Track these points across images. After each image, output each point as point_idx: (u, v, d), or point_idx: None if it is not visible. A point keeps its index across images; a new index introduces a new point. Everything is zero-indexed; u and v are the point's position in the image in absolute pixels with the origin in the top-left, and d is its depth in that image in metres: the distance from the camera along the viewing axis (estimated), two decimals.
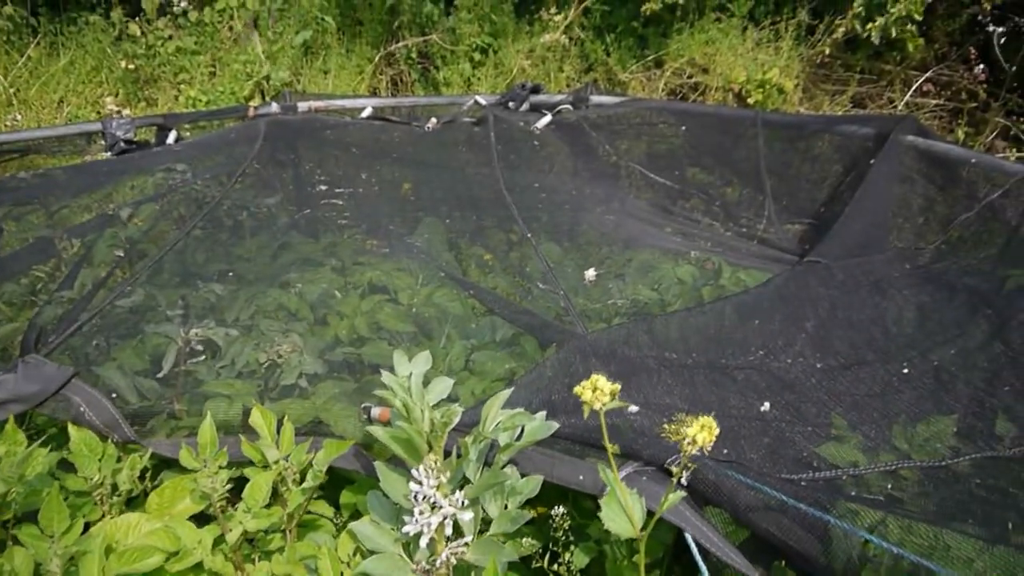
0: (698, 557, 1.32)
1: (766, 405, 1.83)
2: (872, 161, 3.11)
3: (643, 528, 1.21)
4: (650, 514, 1.32)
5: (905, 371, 2.03)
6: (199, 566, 1.55)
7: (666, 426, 1.26)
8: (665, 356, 1.95)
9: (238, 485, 1.67)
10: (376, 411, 1.80)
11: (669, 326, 2.05)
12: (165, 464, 1.86)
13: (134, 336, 2.06)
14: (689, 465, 1.13)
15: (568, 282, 2.36)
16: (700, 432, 1.08)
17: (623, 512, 1.19)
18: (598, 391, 1.16)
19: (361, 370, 1.98)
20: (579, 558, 1.68)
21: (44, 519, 1.40)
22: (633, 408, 1.72)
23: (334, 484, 1.85)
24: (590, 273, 2.31)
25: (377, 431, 1.48)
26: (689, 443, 1.09)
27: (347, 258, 2.48)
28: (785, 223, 3.31)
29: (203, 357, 1.95)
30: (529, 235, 2.57)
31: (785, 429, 1.76)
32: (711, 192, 3.56)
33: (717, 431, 1.09)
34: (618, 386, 1.18)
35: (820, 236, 2.88)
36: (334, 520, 1.78)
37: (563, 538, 1.65)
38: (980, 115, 4.57)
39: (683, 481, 1.14)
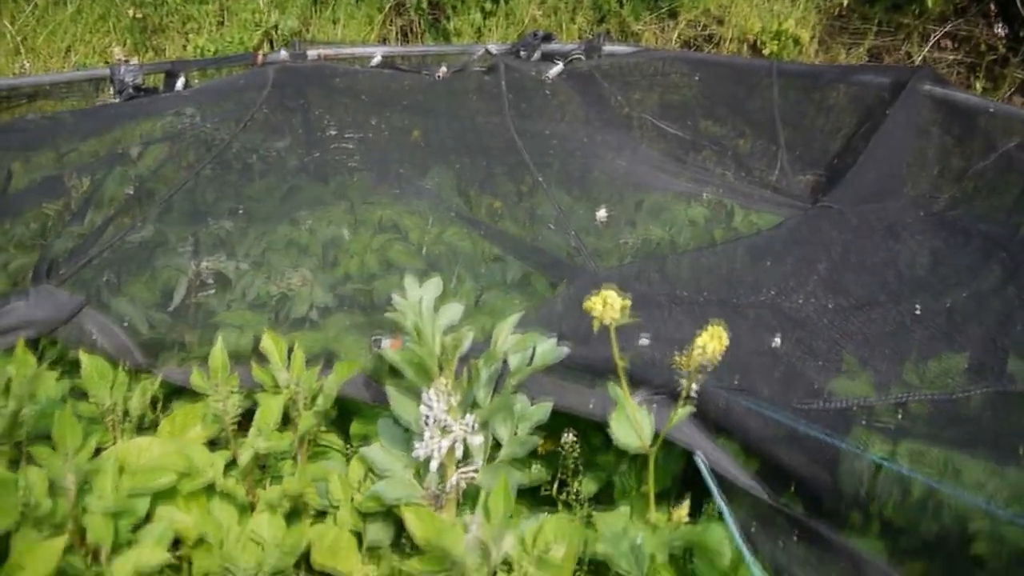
0: (708, 478, 1.32)
1: (777, 340, 1.82)
2: (888, 111, 3.07)
3: (652, 444, 1.21)
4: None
5: (917, 312, 2.02)
6: (211, 488, 1.57)
7: (677, 357, 1.26)
8: (676, 294, 1.95)
9: (247, 417, 1.68)
10: (387, 342, 1.79)
11: (680, 265, 2.04)
12: (176, 394, 1.87)
13: (144, 270, 2.06)
14: (699, 375, 1.12)
15: (579, 224, 2.35)
16: (710, 341, 1.08)
17: (631, 427, 1.18)
18: (608, 306, 1.15)
19: (372, 304, 1.98)
20: (587, 486, 1.69)
21: (57, 436, 1.41)
22: (644, 341, 1.71)
23: (343, 417, 1.86)
24: (601, 213, 2.29)
25: (389, 354, 1.48)
26: (699, 352, 1.08)
27: (357, 199, 2.47)
28: (798, 174, 3.27)
29: (213, 290, 1.95)
30: (540, 178, 2.55)
31: (796, 363, 1.75)
32: (724, 143, 3.51)
33: (727, 342, 1.08)
34: (628, 301, 1.18)
35: (833, 185, 2.85)
36: (344, 451, 1.79)
37: (572, 466, 1.66)
38: (999, 71, 4.49)
39: (692, 394, 1.13)
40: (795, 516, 1.33)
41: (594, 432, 1.86)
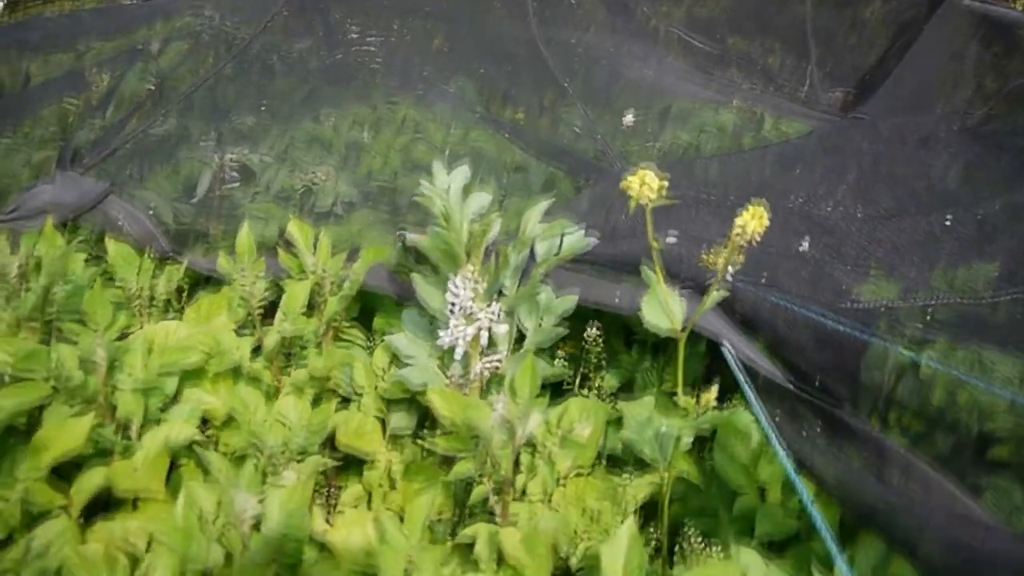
0: (734, 367, 1.32)
1: (805, 244, 1.80)
2: (925, 26, 2.98)
3: (683, 329, 1.20)
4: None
5: (948, 223, 1.99)
6: (237, 372, 1.59)
7: (704, 255, 1.24)
8: (703, 196, 1.92)
9: (271, 311, 1.68)
10: (412, 237, 1.79)
11: (708, 168, 2.01)
12: (200, 285, 1.88)
13: (168, 162, 2.05)
14: (737, 256, 1.11)
15: (605, 129, 2.31)
16: (751, 220, 1.06)
17: (663, 311, 1.18)
18: (646, 185, 1.13)
19: (396, 201, 1.97)
20: (610, 381, 1.70)
21: (88, 311, 1.42)
22: (671, 238, 1.70)
23: (366, 315, 1.86)
24: (628, 118, 2.25)
25: (416, 239, 1.47)
26: (738, 232, 1.07)
27: (380, 99, 2.43)
28: (828, 91, 3.20)
29: (238, 183, 1.94)
30: (566, 83, 2.50)
31: (824, 266, 1.74)
32: (753, 58, 3.43)
33: (767, 222, 1.06)
34: (666, 183, 1.15)
35: (865, 99, 2.79)
36: (367, 344, 1.80)
37: (595, 360, 1.66)
38: None
39: (728, 277, 1.12)
40: (820, 405, 1.33)
41: (615, 336, 1.86)
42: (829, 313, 1.41)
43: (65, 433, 1.32)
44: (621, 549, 1.14)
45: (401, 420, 1.60)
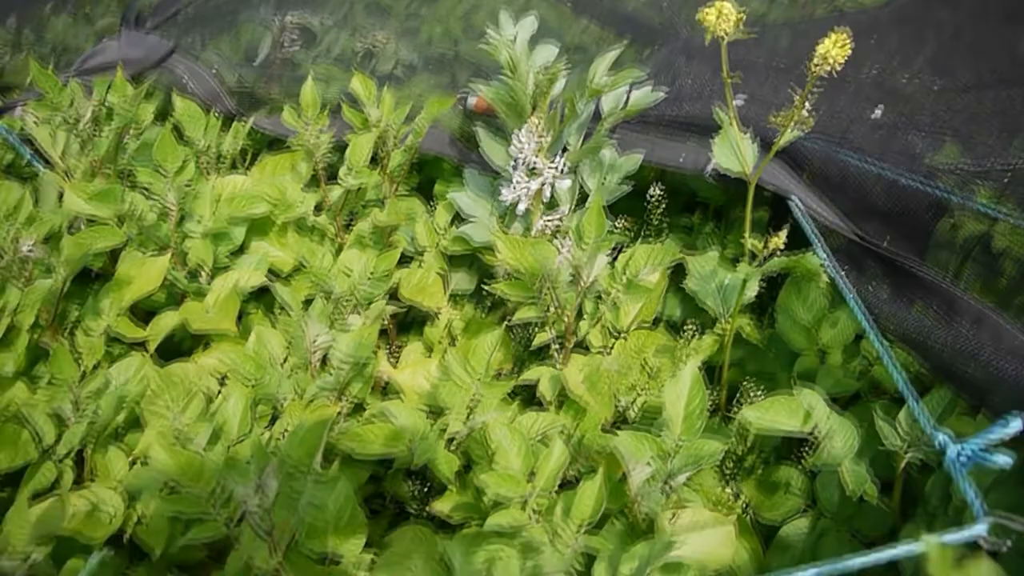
0: (801, 219, 1.30)
1: (878, 112, 1.74)
2: None
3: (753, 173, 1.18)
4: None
5: None
6: (302, 227, 1.61)
7: (772, 117, 1.21)
8: (773, 63, 1.86)
9: (333, 175, 1.69)
10: (472, 100, 1.77)
11: (779, 35, 1.93)
12: (265, 150, 1.90)
13: (229, 30, 2.04)
14: (808, 120, 1.07)
15: None
16: (832, 48, 1.02)
17: (734, 153, 1.15)
18: (723, 16, 1.09)
19: (455, 68, 1.94)
20: (671, 247, 1.69)
21: (159, 155, 1.44)
22: (739, 100, 1.66)
23: (426, 186, 1.86)
24: None
25: (482, 88, 1.45)
26: (818, 61, 1.03)
27: None
28: None
29: (298, 45, 1.93)
30: None
31: (898, 131, 1.68)
32: None
33: (850, 50, 1.02)
34: (743, 15, 1.11)
35: None
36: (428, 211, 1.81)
37: (656, 223, 1.65)
38: None
39: (806, 112, 1.08)
40: (888, 258, 1.31)
41: (676, 210, 1.83)
42: (902, 171, 1.37)
43: (144, 271, 1.36)
44: (684, 389, 1.15)
45: (462, 279, 1.61)
